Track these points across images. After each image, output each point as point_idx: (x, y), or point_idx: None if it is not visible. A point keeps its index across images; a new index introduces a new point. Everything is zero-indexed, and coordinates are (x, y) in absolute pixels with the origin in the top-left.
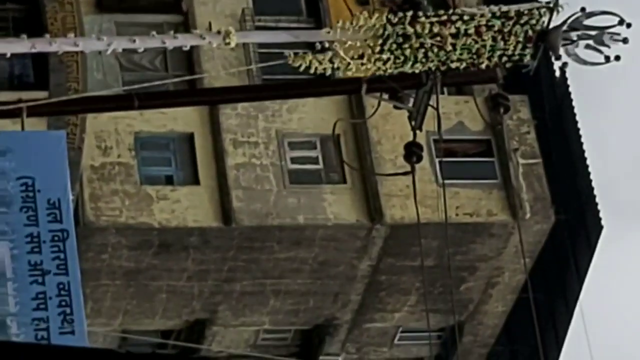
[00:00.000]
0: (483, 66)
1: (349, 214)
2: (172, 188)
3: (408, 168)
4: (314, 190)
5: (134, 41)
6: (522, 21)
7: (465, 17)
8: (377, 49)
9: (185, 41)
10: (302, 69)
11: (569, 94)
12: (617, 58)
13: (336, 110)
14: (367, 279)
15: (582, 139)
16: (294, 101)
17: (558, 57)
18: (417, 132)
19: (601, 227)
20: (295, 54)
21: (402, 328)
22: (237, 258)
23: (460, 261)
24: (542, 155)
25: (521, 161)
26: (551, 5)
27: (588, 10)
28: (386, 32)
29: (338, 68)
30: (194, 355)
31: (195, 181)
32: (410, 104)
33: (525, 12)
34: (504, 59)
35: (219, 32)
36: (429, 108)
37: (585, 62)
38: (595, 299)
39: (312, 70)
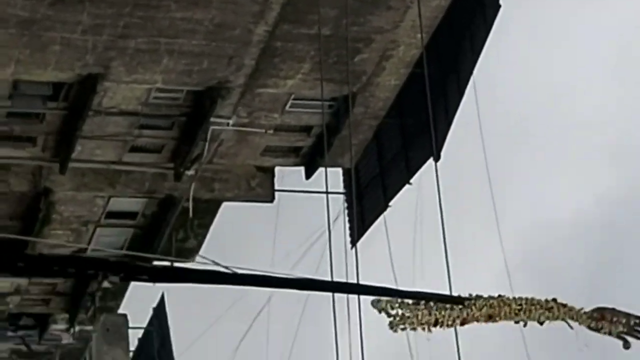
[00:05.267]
0: None
1: None
2: None
3: None
4: None
5: None
6: None
7: None
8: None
9: None
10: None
11: None
12: None
13: None
14: (262, 44)
15: None
16: None
17: None
18: None
19: (499, 6)
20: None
21: (294, 95)
22: (133, 14)
23: (356, 32)
24: None
25: None
26: None
27: None
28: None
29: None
30: (85, 109)
31: None
32: None
33: None
34: None
35: None
36: None
37: None
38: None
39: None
